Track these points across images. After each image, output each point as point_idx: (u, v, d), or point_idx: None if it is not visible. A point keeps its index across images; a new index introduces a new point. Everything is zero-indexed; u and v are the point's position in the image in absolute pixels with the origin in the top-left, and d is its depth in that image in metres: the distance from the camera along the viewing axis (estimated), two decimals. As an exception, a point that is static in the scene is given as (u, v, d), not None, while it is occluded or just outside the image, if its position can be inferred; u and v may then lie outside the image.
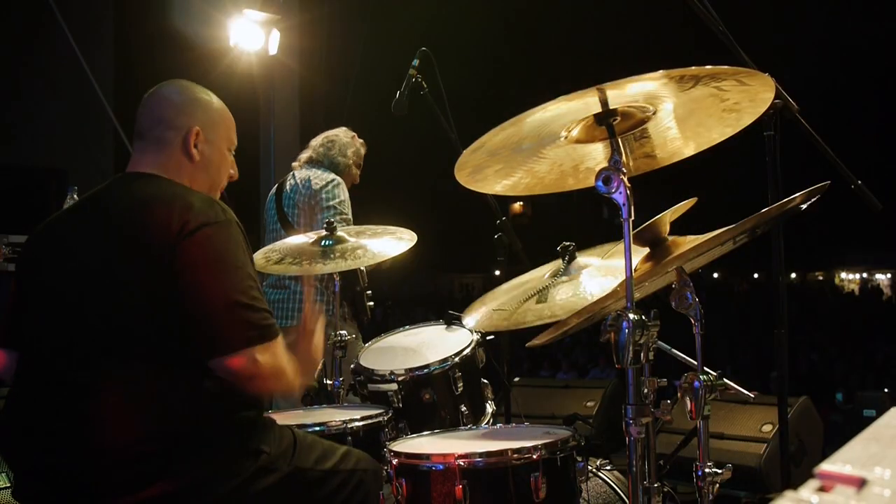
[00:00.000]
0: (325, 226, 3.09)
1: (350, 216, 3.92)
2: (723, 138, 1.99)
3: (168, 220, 1.75)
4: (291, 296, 3.88)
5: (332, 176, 3.97)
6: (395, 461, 2.23)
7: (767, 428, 3.82)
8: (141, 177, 1.92)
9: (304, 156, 4.12)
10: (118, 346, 1.72)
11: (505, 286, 2.61)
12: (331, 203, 3.89)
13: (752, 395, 2.32)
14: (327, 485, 1.95)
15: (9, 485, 2.78)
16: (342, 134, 4.14)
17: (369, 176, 4.21)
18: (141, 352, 1.72)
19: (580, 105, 1.80)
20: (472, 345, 2.94)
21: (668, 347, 2.26)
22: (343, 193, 3.94)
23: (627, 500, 2.17)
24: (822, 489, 0.64)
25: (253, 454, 1.82)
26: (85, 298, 1.77)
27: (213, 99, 2.07)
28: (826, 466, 0.66)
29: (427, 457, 2.19)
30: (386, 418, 2.63)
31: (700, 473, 1.85)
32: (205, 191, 1.99)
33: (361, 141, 4.18)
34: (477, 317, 2.54)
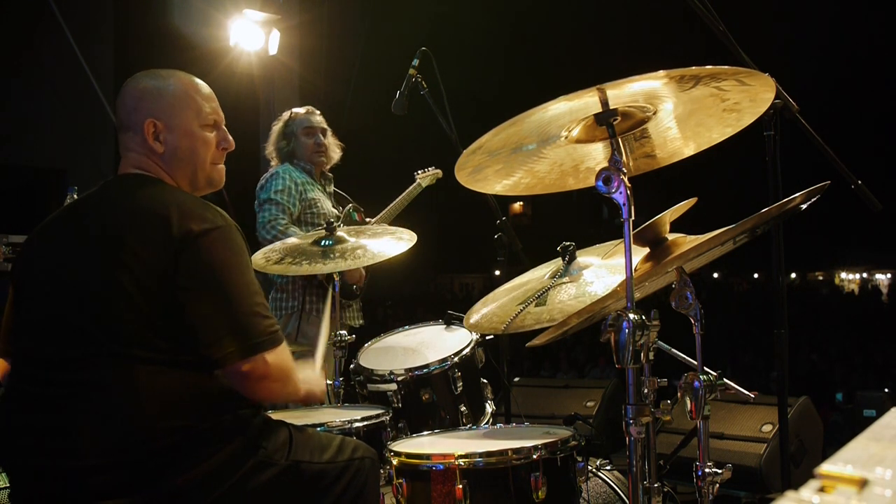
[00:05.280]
0: (324, 226, 3.09)
1: None
2: (723, 138, 1.99)
3: (167, 226, 1.74)
4: None
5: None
6: (395, 461, 2.23)
7: (767, 428, 3.82)
8: (136, 179, 1.92)
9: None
10: (113, 348, 1.71)
11: (505, 286, 2.60)
12: None
13: (752, 396, 2.32)
14: (326, 476, 1.95)
15: (8, 485, 2.77)
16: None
17: (369, 175, 4.22)
18: (137, 354, 1.71)
19: (580, 105, 1.80)
20: (472, 344, 2.93)
21: (668, 347, 2.26)
22: None
23: (627, 500, 2.17)
24: (822, 489, 0.64)
25: (250, 450, 1.82)
26: (81, 302, 1.76)
27: (167, 83, 1.98)
28: (827, 466, 0.66)
29: (427, 457, 2.19)
30: (386, 418, 2.62)
31: (700, 473, 1.85)
32: (188, 177, 1.98)
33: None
34: (476, 318, 2.52)
